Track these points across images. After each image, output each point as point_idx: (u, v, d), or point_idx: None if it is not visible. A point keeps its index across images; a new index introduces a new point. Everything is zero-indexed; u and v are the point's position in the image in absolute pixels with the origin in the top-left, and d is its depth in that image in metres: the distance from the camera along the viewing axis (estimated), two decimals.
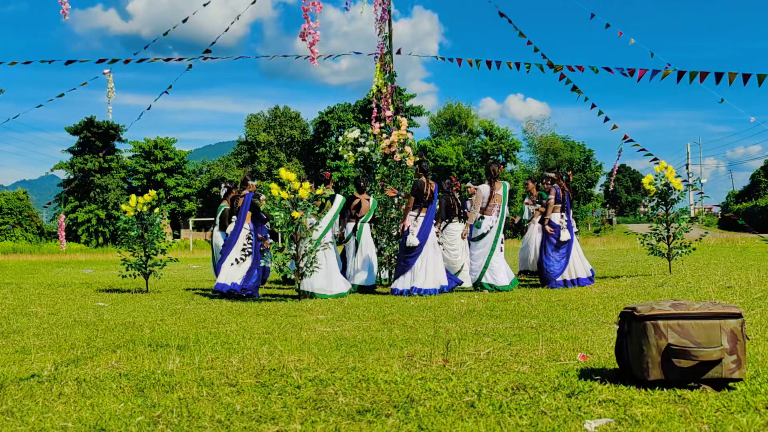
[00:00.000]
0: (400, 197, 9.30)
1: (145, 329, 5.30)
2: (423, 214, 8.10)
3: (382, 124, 10.15)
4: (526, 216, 11.31)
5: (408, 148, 9.54)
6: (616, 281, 8.73)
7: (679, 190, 9.18)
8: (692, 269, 9.80)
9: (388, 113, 10.23)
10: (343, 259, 9.01)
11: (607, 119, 9.08)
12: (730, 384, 2.88)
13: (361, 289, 8.64)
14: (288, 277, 8.07)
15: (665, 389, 2.84)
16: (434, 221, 8.32)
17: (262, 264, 8.32)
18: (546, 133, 53.41)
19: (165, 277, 11.91)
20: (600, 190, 63.84)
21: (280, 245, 8.03)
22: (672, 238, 9.31)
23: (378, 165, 9.75)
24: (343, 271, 8.80)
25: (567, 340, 4.19)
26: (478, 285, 8.35)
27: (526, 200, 11.32)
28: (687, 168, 58.23)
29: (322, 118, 50.06)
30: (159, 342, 4.57)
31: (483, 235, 8.38)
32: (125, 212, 8.97)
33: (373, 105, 10.37)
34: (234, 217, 8.84)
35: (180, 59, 9.67)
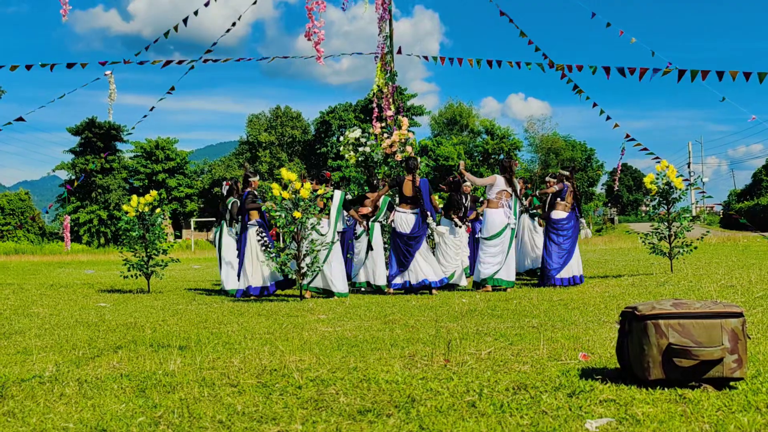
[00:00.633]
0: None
1: (147, 330, 5.30)
2: (404, 209, 8.22)
3: (383, 124, 10.16)
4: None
5: (409, 148, 9.54)
6: (618, 280, 8.73)
7: (680, 189, 9.17)
8: (694, 268, 9.79)
9: (389, 113, 10.23)
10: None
11: (608, 118, 9.08)
12: (732, 383, 2.88)
13: (377, 289, 8.57)
14: (290, 277, 8.06)
15: (666, 389, 2.84)
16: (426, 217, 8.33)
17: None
18: (547, 133, 53.39)
19: (166, 278, 11.92)
20: (602, 189, 63.80)
21: (281, 245, 8.03)
22: (673, 237, 9.30)
23: (379, 165, 9.75)
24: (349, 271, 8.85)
25: (568, 339, 4.19)
26: (490, 280, 8.27)
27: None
28: (688, 167, 58.18)
29: (323, 118, 50.09)
30: (160, 342, 4.57)
31: (500, 232, 8.29)
32: (127, 213, 8.98)
33: (374, 105, 10.37)
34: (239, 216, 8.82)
35: (180, 62, 9.67)
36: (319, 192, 7.86)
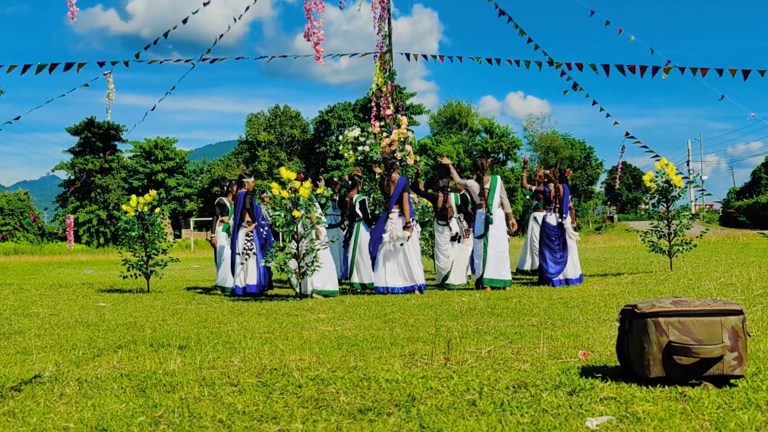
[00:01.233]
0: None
1: (147, 329, 5.30)
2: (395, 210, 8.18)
3: (383, 123, 10.15)
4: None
5: (408, 147, 9.53)
6: (617, 278, 8.73)
7: (679, 187, 9.18)
8: (693, 266, 9.79)
9: (388, 112, 10.22)
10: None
11: (608, 116, 9.07)
12: (732, 381, 2.88)
13: (363, 287, 8.65)
14: (290, 277, 8.08)
15: (666, 386, 2.84)
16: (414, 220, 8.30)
17: (262, 264, 8.33)
18: (546, 131, 53.40)
19: (166, 277, 11.92)
20: (601, 187, 63.80)
21: (281, 244, 8.04)
22: (673, 235, 9.30)
23: (378, 164, 9.75)
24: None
25: (568, 337, 4.19)
26: (480, 283, 8.30)
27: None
28: (688, 165, 58.22)
29: (322, 117, 50.05)
30: (160, 342, 4.57)
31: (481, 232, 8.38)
32: (126, 212, 8.98)
33: (373, 104, 10.37)
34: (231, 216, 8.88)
35: (177, 60, 9.65)
36: (320, 191, 7.88)
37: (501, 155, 47.91)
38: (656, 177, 9.24)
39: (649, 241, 9.57)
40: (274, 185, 7.62)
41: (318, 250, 7.74)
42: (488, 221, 8.25)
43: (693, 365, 2.82)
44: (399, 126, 9.56)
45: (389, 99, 10.32)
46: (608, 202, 71.73)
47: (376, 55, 10.45)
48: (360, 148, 9.80)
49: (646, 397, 2.72)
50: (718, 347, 2.80)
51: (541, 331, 4.42)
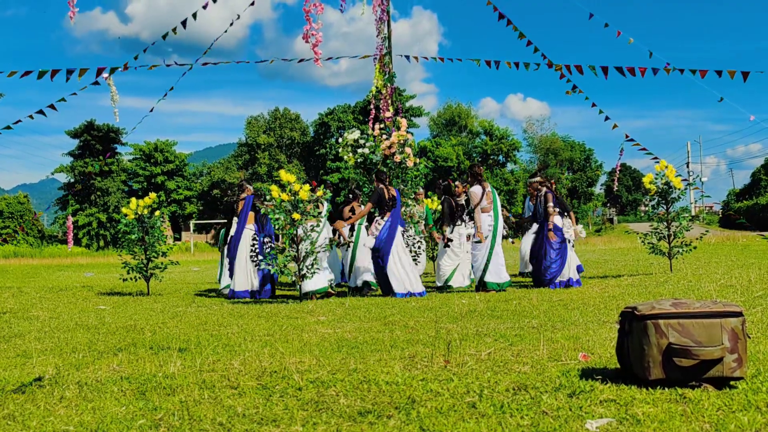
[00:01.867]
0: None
1: (147, 332, 5.30)
2: (387, 217, 8.18)
3: (382, 125, 10.15)
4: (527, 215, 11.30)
5: (408, 149, 9.53)
6: (617, 280, 8.73)
7: (679, 189, 9.18)
8: (693, 268, 9.79)
9: (388, 114, 10.23)
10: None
11: (607, 118, 9.07)
12: (732, 383, 2.88)
13: (365, 286, 8.64)
14: (291, 279, 8.10)
15: (666, 388, 2.84)
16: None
17: (262, 266, 8.34)
18: (546, 133, 53.48)
19: (166, 280, 11.92)
20: (600, 189, 63.80)
21: (281, 247, 8.05)
22: (673, 237, 9.31)
23: (378, 166, 9.75)
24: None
25: (568, 339, 4.19)
26: (480, 285, 8.31)
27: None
28: (687, 166, 58.24)
29: (321, 120, 50.10)
30: (160, 345, 4.57)
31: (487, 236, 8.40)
32: (126, 215, 8.99)
33: (373, 106, 10.37)
34: (235, 219, 8.86)
35: (170, 64, 9.65)
36: (319, 194, 7.89)
37: (501, 157, 47.94)
38: (656, 179, 9.25)
39: (648, 243, 9.57)
40: (274, 188, 7.62)
41: (317, 252, 7.75)
42: (508, 223, 8.39)
43: (693, 367, 2.82)
44: (398, 128, 9.56)
45: (389, 101, 10.33)
46: (608, 204, 71.74)
47: (375, 58, 10.46)
48: (360, 150, 9.80)
49: (646, 399, 2.72)
50: (717, 349, 2.80)
51: (541, 333, 4.42)
